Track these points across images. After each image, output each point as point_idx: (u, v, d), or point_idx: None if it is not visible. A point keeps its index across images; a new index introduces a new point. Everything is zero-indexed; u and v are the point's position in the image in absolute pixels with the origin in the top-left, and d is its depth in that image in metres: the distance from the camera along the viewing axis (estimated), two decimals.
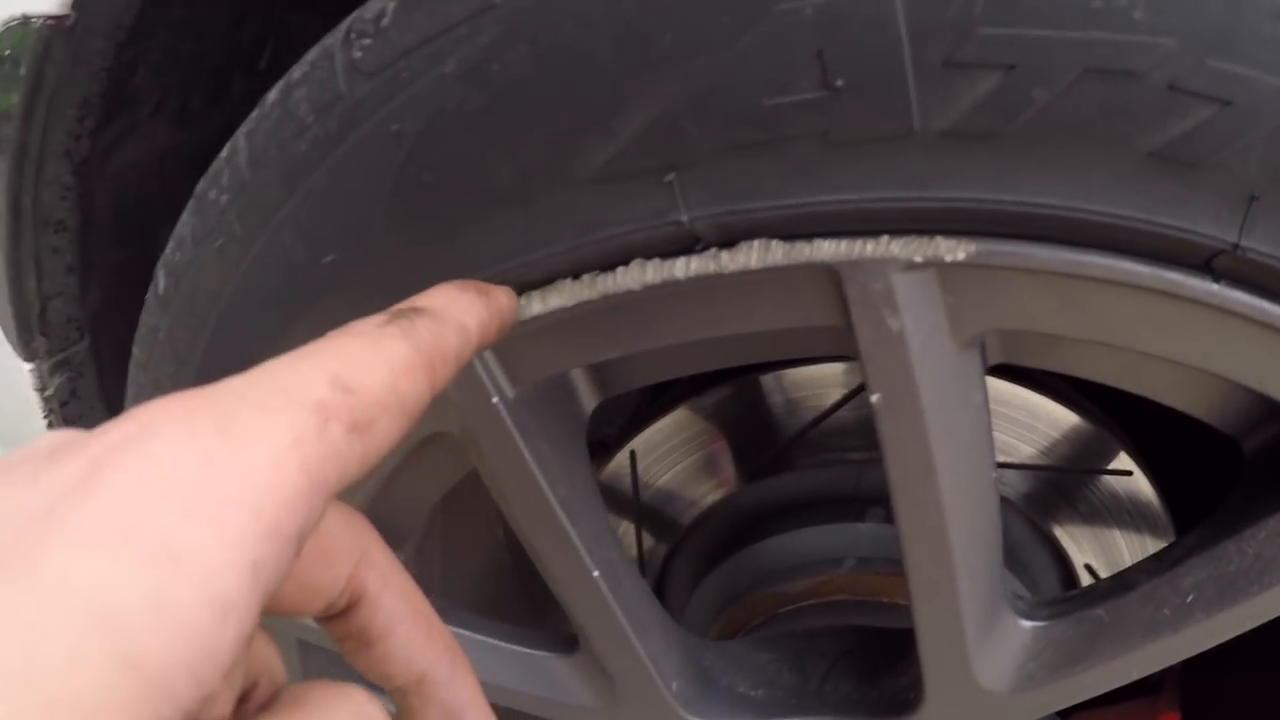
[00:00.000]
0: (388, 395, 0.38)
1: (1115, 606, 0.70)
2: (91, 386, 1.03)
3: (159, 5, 0.79)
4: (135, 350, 0.82)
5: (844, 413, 1.02)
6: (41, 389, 1.00)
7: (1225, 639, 0.67)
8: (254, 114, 0.65)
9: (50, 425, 1.04)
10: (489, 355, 0.64)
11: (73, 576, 0.27)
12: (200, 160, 0.95)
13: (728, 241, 0.55)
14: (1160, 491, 1.04)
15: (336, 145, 0.59)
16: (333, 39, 0.60)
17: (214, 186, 0.68)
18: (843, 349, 0.60)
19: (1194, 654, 0.69)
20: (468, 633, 0.88)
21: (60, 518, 0.28)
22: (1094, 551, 1.07)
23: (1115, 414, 1.05)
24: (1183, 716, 1.19)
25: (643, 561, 1.16)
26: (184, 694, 0.28)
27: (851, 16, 0.46)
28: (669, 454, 1.11)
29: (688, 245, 0.56)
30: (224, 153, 0.68)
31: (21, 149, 0.82)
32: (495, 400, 0.65)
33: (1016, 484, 1.05)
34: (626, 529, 1.14)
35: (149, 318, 0.78)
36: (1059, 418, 1.00)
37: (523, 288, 0.61)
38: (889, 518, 1.01)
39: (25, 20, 0.75)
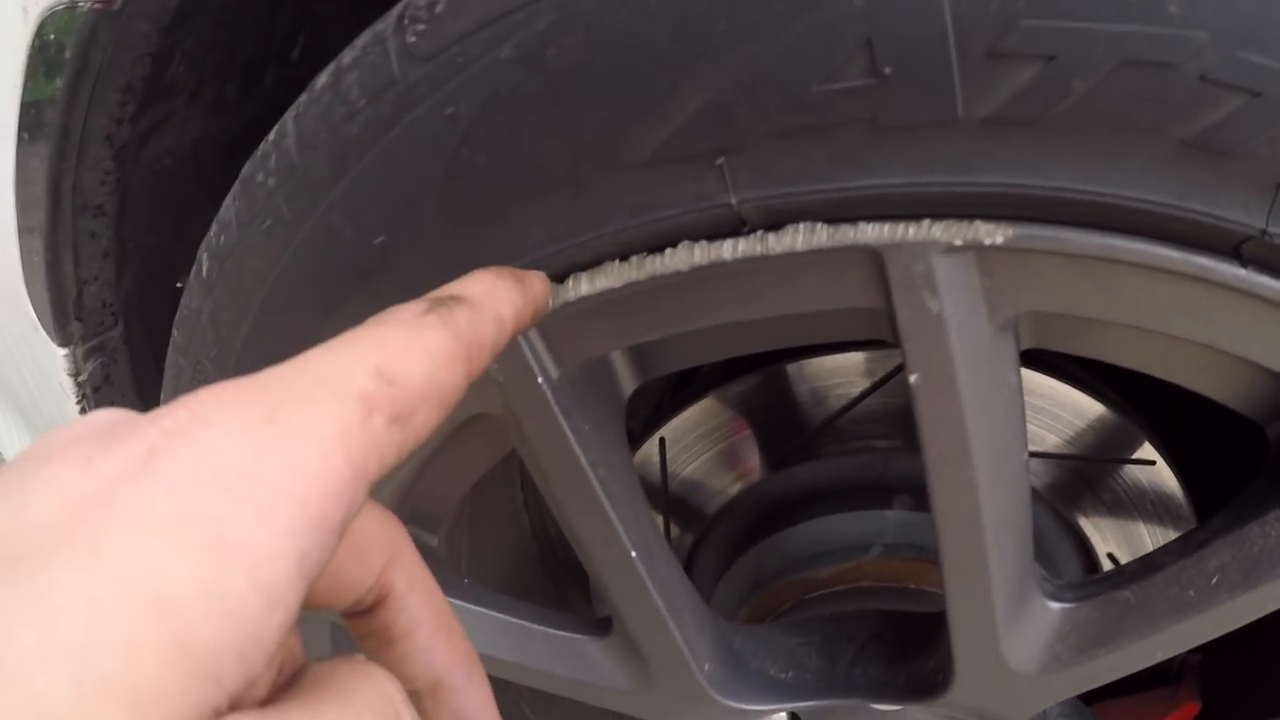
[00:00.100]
0: (428, 386, 0.39)
1: (1142, 588, 0.71)
2: (124, 372, 1.04)
3: None
4: (175, 334, 0.83)
5: (871, 401, 1.03)
6: (75, 374, 1.01)
7: (1249, 620, 0.68)
8: (303, 98, 0.66)
9: (83, 411, 1.05)
10: (534, 336, 0.66)
11: (131, 562, 0.28)
12: (233, 149, 0.97)
13: (774, 224, 0.57)
14: (1183, 482, 1.04)
15: (389, 128, 0.60)
16: (384, 24, 0.62)
17: (261, 170, 0.69)
18: (880, 332, 0.61)
19: (1219, 635, 0.70)
20: (503, 615, 0.89)
21: (117, 502, 0.29)
22: (1117, 541, 1.07)
23: (1139, 404, 1.05)
24: (1203, 706, 1.20)
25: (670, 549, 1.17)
26: (231, 678, 0.29)
27: (900, 6, 0.48)
28: (696, 443, 1.11)
29: (735, 228, 0.57)
30: (271, 136, 0.69)
31: (64, 132, 0.83)
32: (540, 380, 0.66)
33: (1041, 473, 1.05)
34: (654, 517, 1.15)
35: (191, 301, 0.79)
36: (1084, 407, 1.01)
37: (570, 269, 0.62)
38: (915, 505, 1.02)
39: (72, 5, 0.76)
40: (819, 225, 0.56)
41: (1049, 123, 0.50)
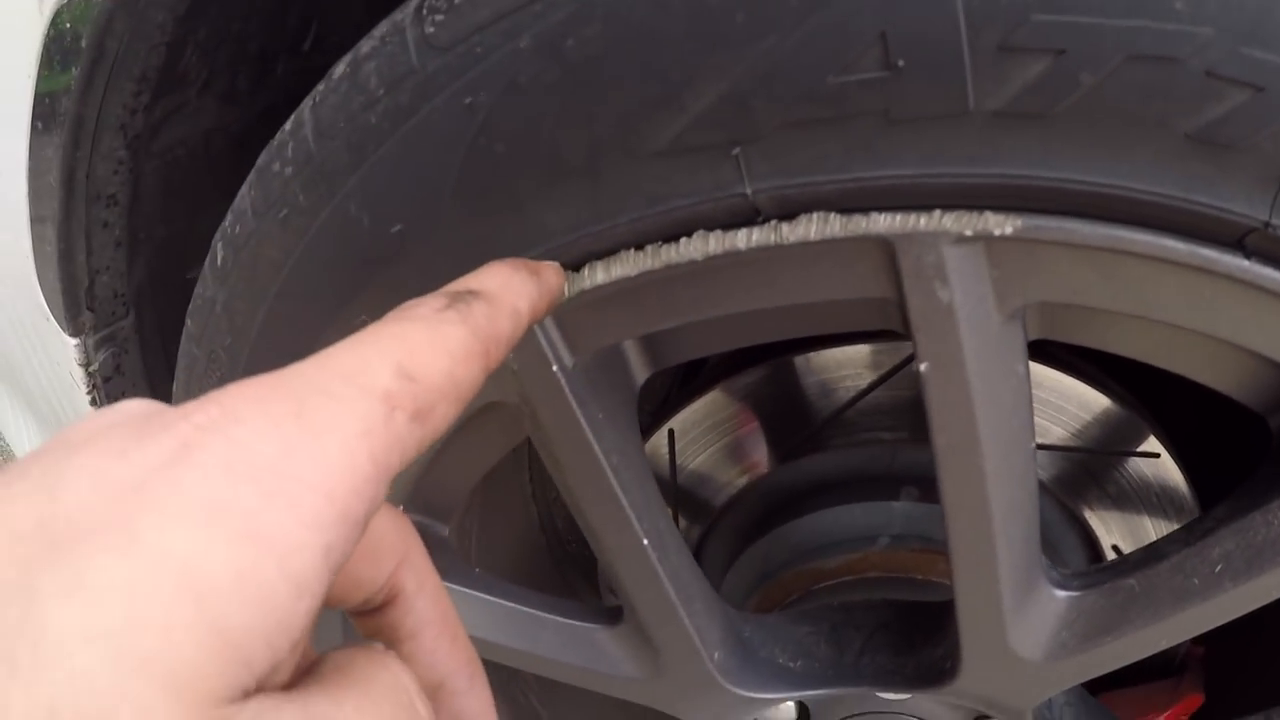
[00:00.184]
0: (447, 383, 0.40)
1: (1146, 576, 0.72)
2: (135, 362, 1.05)
3: None
4: (189, 323, 0.84)
5: (878, 393, 1.03)
6: (86, 364, 1.01)
7: (1253, 608, 0.69)
8: (320, 87, 0.67)
9: (94, 401, 1.06)
10: (550, 324, 0.67)
11: (169, 548, 0.29)
12: (245, 139, 0.97)
13: (788, 214, 0.58)
14: (1187, 475, 1.05)
15: (408, 117, 0.61)
16: (403, 14, 0.62)
17: (277, 159, 0.70)
18: (890, 322, 0.62)
19: (1222, 623, 0.70)
20: (515, 604, 0.90)
21: (153, 491, 0.30)
22: (1121, 533, 1.08)
23: (1144, 398, 1.06)
24: (1206, 698, 1.20)
25: None
26: (260, 661, 0.30)
27: (913, 0, 0.49)
28: (704, 435, 1.12)
29: (749, 217, 0.58)
30: (288, 125, 0.70)
31: (78, 122, 0.83)
32: (555, 369, 0.67)
33: (1047, 465, 1.06)
34: (665, 507, 1.16)
35: (205, 290, 0.80)
36: (1089, 400, 1.02)
37: (587, 258, 0.63)
38: (922, 496, 1.03)
39: None
40: (832, 215, 0.57)
41: (1058, 116, 0.51)
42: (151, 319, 1.04)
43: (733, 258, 0.60)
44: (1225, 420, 0.97)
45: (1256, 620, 0.71)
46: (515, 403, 0.71)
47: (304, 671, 0.37)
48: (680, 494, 1.15)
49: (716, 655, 0.86)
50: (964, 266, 0.57)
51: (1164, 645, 0.74)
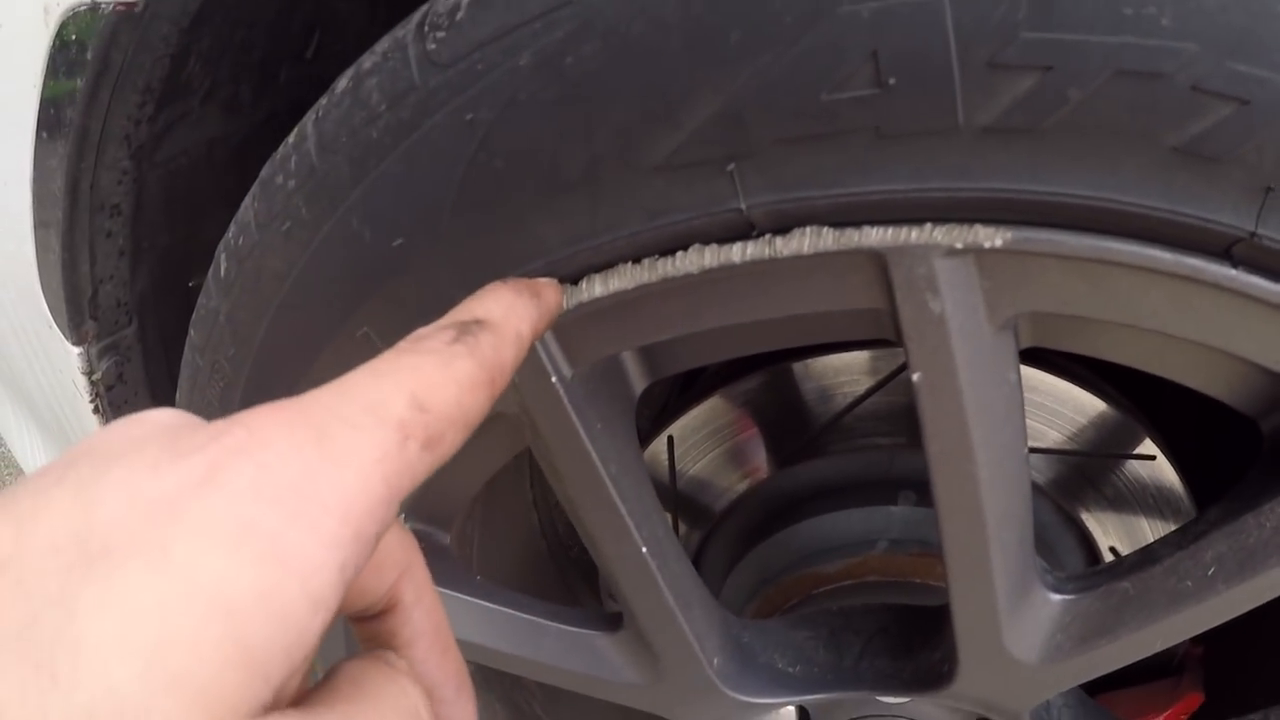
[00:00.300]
0: (456, 412, 0.43)
1: (1140, 579, 0.72)
2: (137, 371, 1.05)
3: None
4: (192, 333, 0.85)
5: (876, 398, 1.04)
6: (89, 373, 1.02)
7: (1246, 610, 0.69)
8: (323, 101, 0.68)
9: (96, 409, 1.06)
10: (549, 337, 0.67)
11: (199, 567, 0.31)
12: (247, 149, 0.97)
13: (782, 228, 0.58)
14: (1183, 476, 1.06)
15: (409, 133, 0.62)
16: (404, 31, 0.63)
17: (280, 172, 0.71)
18: (883, 332, 0.63)
19: (1216, 625, 0.71)
20: (515, 611, 0.91)
21: (184, 511, 0.32)
22: (1118, 535, 1.08)
23: (1139, 400, 1.07)
24: (1206, 697, 1.21)
25: None
26: (278, 675, 0.32)
27: (904, 19, 0.50)
28: (703, 441, 1.13)
29: (744, 231, 0.59)
30: (291, 139, 0.71)
31: (83, 132, 0.84)
32: (554, 380, 0.68)
33: (1043, 469, 1.07)
34: (664, 514, 1.16)
35: (208, 301, 0.81)
36: (1084, 404, 1.02)
37: (585, 271, 0.64)
38: (920, 500, 1.03)
39: (94, 6, 0.77)
40: (825, 229, 0.58)
41: (1046, 130, 0.51)
42: (154, 328, 1.05)
43: (728, 271, 0.61)
44: (1222, 421, 0.97)
45: (1255, 620, 0.72)
46: (515, 413, 0.72)
47: (321, 681, 0.39)
48: (680, 500, 1.15)
49: (716, 661, 0.86)
50: (955, 278, 0.57)
51: (1159, 647, 0.74)
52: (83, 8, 0.78)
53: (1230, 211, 0.52)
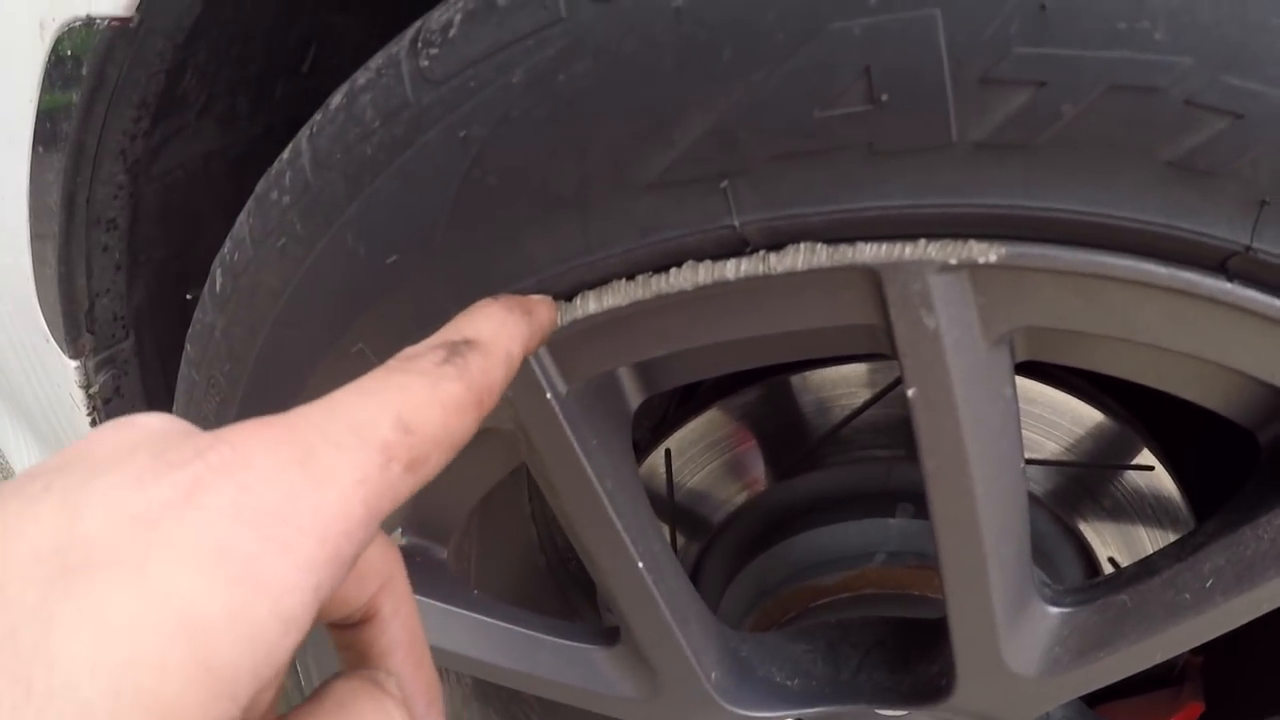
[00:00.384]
0: (441, 434, 0.42)
1: (1138, 592, 0.72)
2: (134, 384, 1.06)
3: (215, 7, 0.81)
4: (188, 348, 0.85)
5: (873, 411, 1.04)
6: (86, 386, 1.02)
7: (1244, 621, 0.69)
8: (317, 117, 0.68)
9: (94, 423, 1.06)
10: (544, 353, 0.67)
11: (172, 587, 0.31)
12: (244, 162, 0.97)
13: (775, 245, 0.58)
14: (1181, 486, 1.06)
15: (403, 150, 0.62)
16: (398, 47, 0.63)
17: (275, 188, 0.71)
18: (878, 347, 0.63)
19: (1214, 636, 0.71)
20: (513, 626, 0.91)
21: (163, 529, 0.32)
22: (1117, 545, 1.08)
23: (1137, 410, 1.06)
24: (1206, 707, 1.21)
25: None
26: (245, 692, 0.32)
27: (896, 36, 0.50)
28: (701, 454, 1.13)
29: (738, 248, 0.59)
30: (286, 154, 0.71)
31: (79, 147, 0.84)
32: (549, 396, 0.68)
33: (1042, 480, 1.07)
34: (661, 529, 1.16)
35: (204, 316, 0.81)
36: (1082, 415, 1.02)
37: (579, 288, 0.64)
38: (918, 513, 1.03)
39: (89, 22, 0.77)
40: (819, 245, 0.57)
41: (1040, 146, 0.51)
42: (151, 341, 1.05)
43: (722, 287, 0.60)
44: (1220, 430, 0.97)
45: (1256, 629, 0.72)
46: (511, 429, 0.72)
47: (309, 698, 0.40)
48: (678, 512, 1.15)
49: (714, 675, 0.86)
50: (949, 294, 0.57)
51: (1158, 659, 0.74)
52: (78, 23, 0.78)
53: (1225, 225, 0.52)
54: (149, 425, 0.38)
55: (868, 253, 0.57)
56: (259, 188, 0.73)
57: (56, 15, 0.78)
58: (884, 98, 0.51)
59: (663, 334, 0.66)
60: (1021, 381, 0.99)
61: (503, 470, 0.83)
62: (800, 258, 0.58)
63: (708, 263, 0.60)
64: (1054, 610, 0.75)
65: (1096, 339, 0.60)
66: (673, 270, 0.61)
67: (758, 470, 1.12)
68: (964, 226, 0.55)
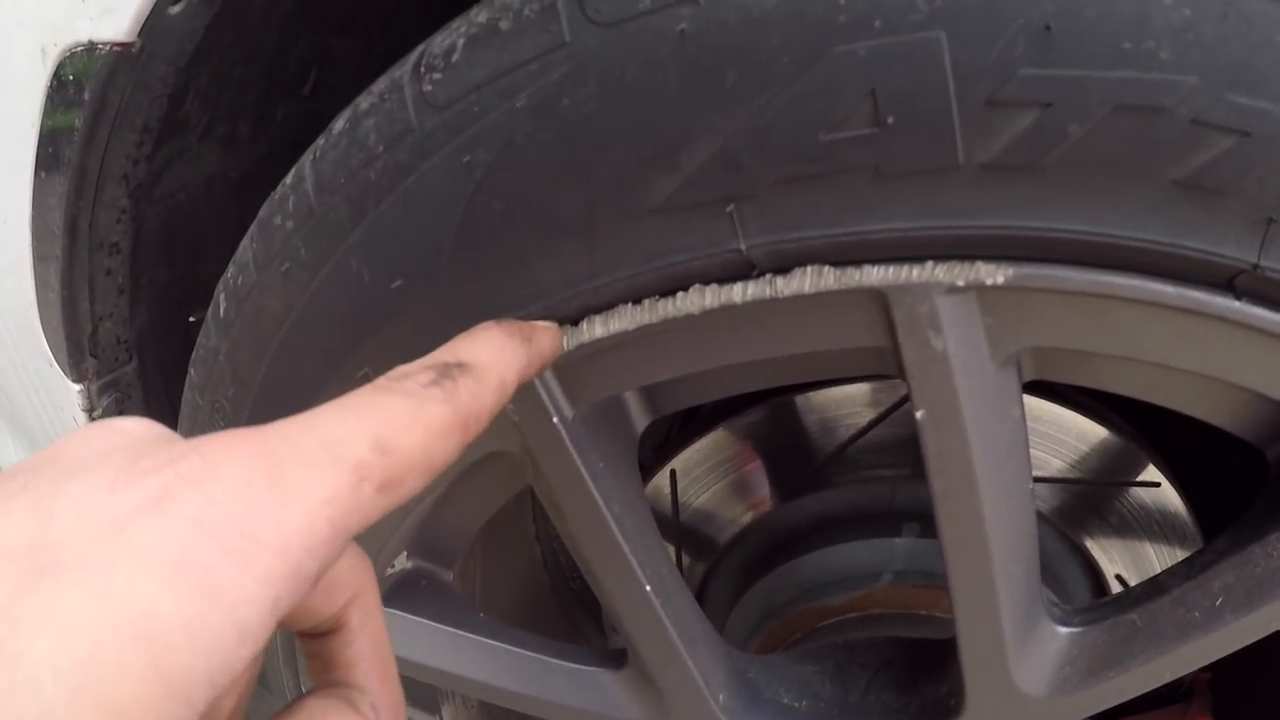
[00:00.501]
0: (419, 457, 0.42)
1: (1148, 611, 0.72)
2: (138, 408, 1.05)
3: (216, 31, 0.81)
4: (192, 372, 0.84)
5: (879, 430, 1.04)
6: (89, 410, 1.02)
7: (1254, 640, 0.69)
8: (320, 141, 0.68)
9: None
10: (550, 377, 0.67)
11: (133, 594, 0.32)
12: (246, 185, 0.98)
13: (782, 268, 0.58)
14: (1188, 502, 1.05)
15: (407, 174, 0.62)
16: (401, 71, 0.63)
17: (279, 212, 0.70)
18: (886, 369, 0.63)
19: (1224, 655, 0.71)
20: (519, 649, 0.90)
21: (130, 535, 0.33)
22: (1124, 562, 1.08)
23: (1143, 427, 1.06)
24: None
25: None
26: (200, 698, 0.33)
27: (901, 58, 0.50)
28: (707, 474, 1.13)
29: (744, 272, 0.59)
30: (289, 179, 0.70)
31: (81, 171, 0.84)
32: (555, 420, 0.68)
33: (1048, 497, 1.06)
34: (667, 551, 1.15)
35: (208, 340, 0.81)
36: (1088, 432, 1.02)
37: (585, 312, 0.63)
38: (924, 532, 1.03)
39: (91, 46, 0.77)
40: (826, 268, 0.57)
41: (1046, 166, 0.51)
42: (154, 364, 1.04)
43: (729, 311, 0.60)
44: (1226, 447, 0.97)
45: (1265, 645, 0.71)
46: (516, 452, 0.72)
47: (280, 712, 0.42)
48: (683, 533, 1.15)
49: (721, 697, 0.85)
50: (957, 316, 0.57)
51: (1168, 678, 0.73)
52: (80, 48, 0.78)
53: (1232, 244, 0.52)
54: (127, 429, 0.39)
55: (875, 275, 0.57)
56: (262, 212, 0.73)
57: (58, 40, 0.78)
58: (890, 120, 0.51)
59: (669, 358, 0.65)
60: (1026, 399, 0.98)
61: (509, 493, 0.83)
62: (807, 281, 0.58)
63: (714, 286, 0.60)
64: (1063, 630, 0.75)
65: (1104, 359, 0.60)
66: (679, 294, 0.61)
67: (763, 490, 1.12)
68: (971, 248, 0.55)
